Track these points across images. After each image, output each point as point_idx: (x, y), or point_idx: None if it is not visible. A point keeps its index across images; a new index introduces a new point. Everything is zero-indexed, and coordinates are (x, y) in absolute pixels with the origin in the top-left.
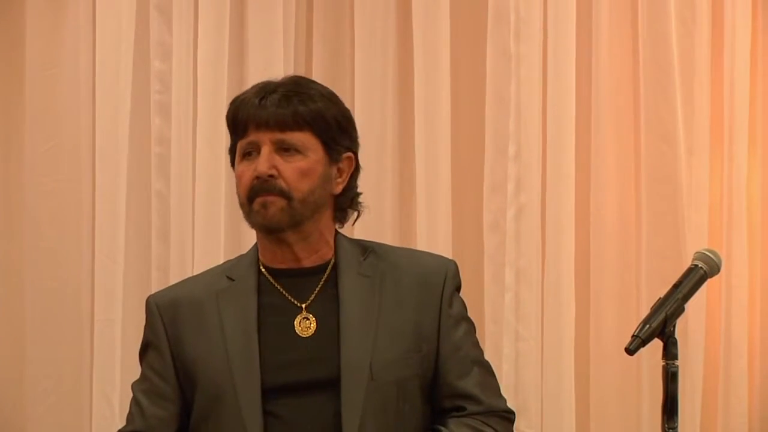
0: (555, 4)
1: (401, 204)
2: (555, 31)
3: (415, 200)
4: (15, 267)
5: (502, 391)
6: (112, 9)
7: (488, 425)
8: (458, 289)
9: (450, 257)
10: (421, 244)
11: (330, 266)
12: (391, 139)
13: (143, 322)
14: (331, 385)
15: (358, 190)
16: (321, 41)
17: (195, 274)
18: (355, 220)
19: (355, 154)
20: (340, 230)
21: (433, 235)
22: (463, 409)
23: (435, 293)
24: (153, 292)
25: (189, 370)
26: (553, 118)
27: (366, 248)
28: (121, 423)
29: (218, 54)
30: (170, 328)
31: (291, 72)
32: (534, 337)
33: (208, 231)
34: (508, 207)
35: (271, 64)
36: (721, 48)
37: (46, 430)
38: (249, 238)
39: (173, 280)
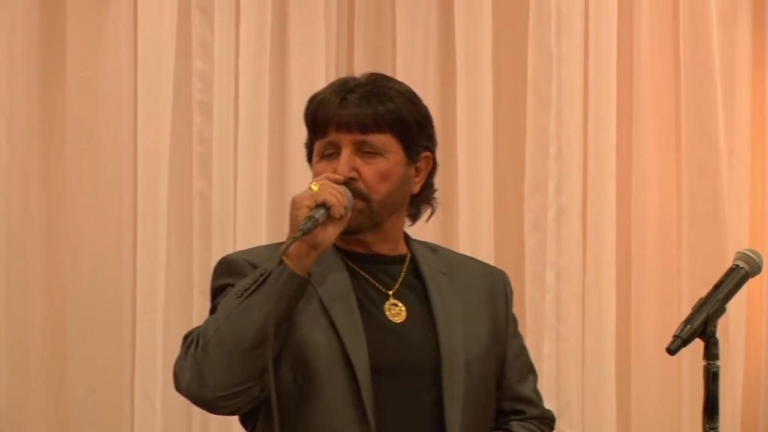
0: (596, 2)
1: (443, 203)
2: (596, 29)
3: (457, 199)
4: (56, 267)
5: (542, 392)
6: (154, 9)
7: (542, 431)
8: None
9: (492, 257)
10: (463, 244)
11: (408, 259)
12: None
13: (185, 322)
14: (430, 372)
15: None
16: (362, 41)
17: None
18: (429, 217)
19: (433, 153)
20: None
21: (475, 235)
22: (522, 412)
23: (500, 297)
24: (194, 292)
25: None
26: (594, 118)
27: (431, 247)
28: (163, 424)
29: (260, 53)
30: None
31: (332, 70)
32: (575, 336)
33: (249, 230)
34: (549, 206)
35: (313, 64)
36: (762, 48)
37: (88, 430)
38: None
39: None
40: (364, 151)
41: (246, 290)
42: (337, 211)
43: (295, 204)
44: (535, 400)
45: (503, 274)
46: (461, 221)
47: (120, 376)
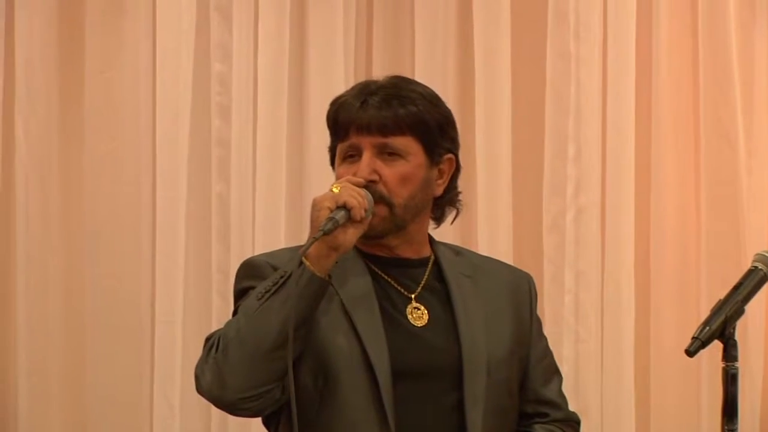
0: (615, 5)
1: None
2: (615, 32)
3: (476, 201)
4: (76, 269)
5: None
6: (172, 11)
7: None
8: None
9: (510, 258)
10: (482, 245)
11: (431, 262)
12: None
13: (204, 324)
14: (452, 375)
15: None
16: (381, 42)
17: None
18: (454, 218)
19: (456, 155)
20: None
21: (493, 237)
22: (546, 415)
23: (526, 301)
24: (213, 294)
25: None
26: (613, 120)
27: (455, 250)
28: (182, 425)
29: (278, 55)
30: None
31: (351, 72)
32: (594, 338)
33: (268, 232)
34: (568, 208)
35: (332, 66)
36: None
37: (107, 431)
38: None
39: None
40: (385, 153)
41: (266, 292)
42: (358, 212)
43: (315, 206)
44: (560, 403)
45: (528, 276)
46: (480, 223)
47: (139, 378)
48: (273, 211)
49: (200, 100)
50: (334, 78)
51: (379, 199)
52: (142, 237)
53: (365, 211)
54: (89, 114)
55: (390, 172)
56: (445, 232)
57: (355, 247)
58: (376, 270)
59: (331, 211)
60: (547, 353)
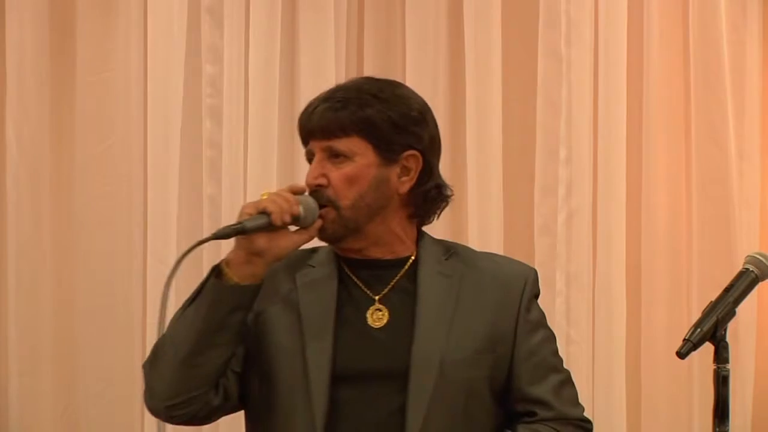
0: (606, 7)
1: (452, 207)
2: (606, 34)
3: (466, 203)
4: (67, 271)
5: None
6: (163, 13)
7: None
8: (537, 296)
9: None
10: (473, 247)
11: (409, 262)
12: (443, 142)
13: None
14: (400, 377)
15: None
16: (372, 44)
17: None
18: (440, 212)
19: (421, 151)
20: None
21: (484, 239)
22: (534, 414)
23: (514, 297)
24: None
25: (260, 333)
26: (604, 122)
27: (449, 249)
28: (174, 426)
29: (269, 57)
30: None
31: (342, 74)
32: (585, 340)
33: None
34: (559, 210)
35: (323, 68)
36: None
37: None
38: None
39: None
40: (333, 155)
41: (187, 300)
42: (278, 218)
43: (240, 212)
44: (551, 402)
45: (529, 272)
46: (470, 225)
47: (130, 379)
48: None
49: (191, 102)
50: (325, 80)
51: (326, 202)
52: (134, 238)
53: (292, 216)
54: (80, 116)
55: (336, 174)
56: (434, 234)
57: (333, 251)
58: (348, 272)
59: (249, 216)
60: (539, 351)
